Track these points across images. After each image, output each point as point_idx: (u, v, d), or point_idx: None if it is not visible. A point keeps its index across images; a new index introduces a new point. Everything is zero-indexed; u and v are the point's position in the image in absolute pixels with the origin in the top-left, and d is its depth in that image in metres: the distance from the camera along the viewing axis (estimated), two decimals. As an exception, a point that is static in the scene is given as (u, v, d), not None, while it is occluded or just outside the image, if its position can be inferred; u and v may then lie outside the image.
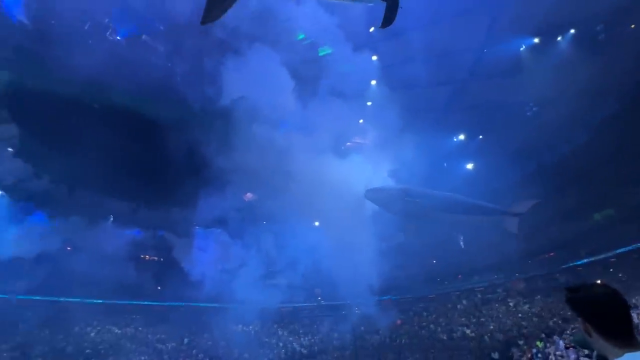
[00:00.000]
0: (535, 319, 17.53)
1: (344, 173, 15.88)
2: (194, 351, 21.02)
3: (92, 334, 20.43)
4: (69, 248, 21.14)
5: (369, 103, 20.52)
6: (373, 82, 19.76)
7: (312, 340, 23.40)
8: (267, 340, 23.07)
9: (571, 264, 19.85)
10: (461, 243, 19.77)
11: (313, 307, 26.79)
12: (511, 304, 21.19)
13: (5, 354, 16.14)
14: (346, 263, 17.54)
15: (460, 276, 25.64)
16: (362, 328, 22.59)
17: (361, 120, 20.63)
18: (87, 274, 19.52)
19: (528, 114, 20.30)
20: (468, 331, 19.78)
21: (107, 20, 15.73)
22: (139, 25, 16.14)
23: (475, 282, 24.80)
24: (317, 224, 23.16)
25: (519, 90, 18.48)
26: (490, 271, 24.19)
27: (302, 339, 23.59)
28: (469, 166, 22.65)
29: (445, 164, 23.37)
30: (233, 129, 14.95)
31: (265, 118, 15.14)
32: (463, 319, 21.44)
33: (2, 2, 11.89)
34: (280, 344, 22.57)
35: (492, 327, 19.07)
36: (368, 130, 19.93)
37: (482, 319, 20.64)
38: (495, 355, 15.45)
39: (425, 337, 21.12)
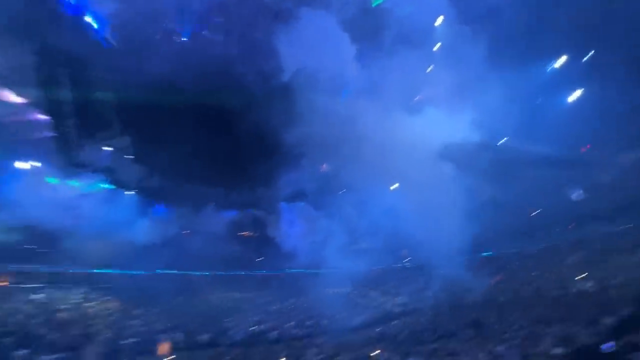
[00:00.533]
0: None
1: (419, 130, 14.75)
2: (296, 311, 23.72)
3: (216, 299, 24.79)
4: (185, 231, 25.45)
5: (437, 46, 18.27)
6: (439, 20, 17.36)
7: (405, 300, 23.77)
8: (359, 301, 24.40)
9: None
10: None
11: (402, 269, 26.97)
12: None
13: (154, 317, 20.71)
14: (433, 222, 16.82)
15: (572, 225, 22.21)
16: (456, 287, 21.90)
17: (430, 67, 18.64)
18: (201, 252, 23.23)
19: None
20: (589, 284, 17.31)
21: (171, 25, 17.18)
22: (198, 23, 17.24)
23: (591, 230, 21.21)
24: (396, 186, 22.70)
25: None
26: (612, 217, 20.32)
27: (394, 299, 24.20)
28: (575, 96, 18.60)
29: (539, 100, 19.64)
30: (299, 102, 15.19)
31: (329, 84, 14.88)
32: (577, 273, 18.83)
33: (94, 31, 13.89)
34: (374, 304, 23.60)
35: (617, 281, 16.32)
36: (441, 77, 17.89)
37: (603, 273, 17.79)
38: (627, 310, 13.27)
39: (528, 294, 19.34)
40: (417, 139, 14.71)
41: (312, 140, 16.45)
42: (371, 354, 12.77)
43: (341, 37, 14.68)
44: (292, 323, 21.56)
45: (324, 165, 23.12)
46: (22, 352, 14.06)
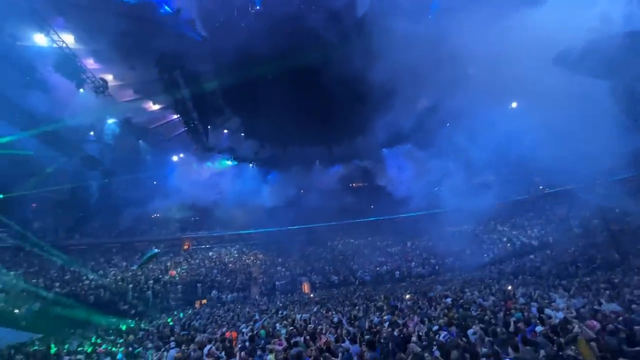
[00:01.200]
0: None
1: (534, 29, 11.19)
2: (417, 251, 24.02)
3: (340, 246, 27.45)
4: (302, 191, 28.26)
5: None
6: None
7: (543, 231, 20.85)
8: (486, 236, 22.74)
9: None
10: None
11: (536, 198, 23.41)
12: None
13: (295, 263, 24.47)
14: (569, 140, 13.36)
15: None
16: (618, 210, 17.58)
17: None
18: (319, 206, 25.49)
19: None
20: None
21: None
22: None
23: None
24: (514, 105, 19.05)
25: None
26: None
27: (529, 231, 21.52)
28: None
29: None
30: (381, 35, 13.63)
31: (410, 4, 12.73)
32: None
33: (185, 29, 15.43)
34: (504, 239, 21.63)
35: None
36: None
37: None
38: None
39: None
40: (534, 41, 11.12)
41: (405, 74, 14.80)
42: (507, 288, 11.87)
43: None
44: (414, 263, 22.08)
45: (422, 101, 20.97)
46: (213, 292, 19.40)
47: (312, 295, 19.28)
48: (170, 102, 18.49)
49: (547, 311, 7.26)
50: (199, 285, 19.70)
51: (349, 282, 21.32)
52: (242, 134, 25.67)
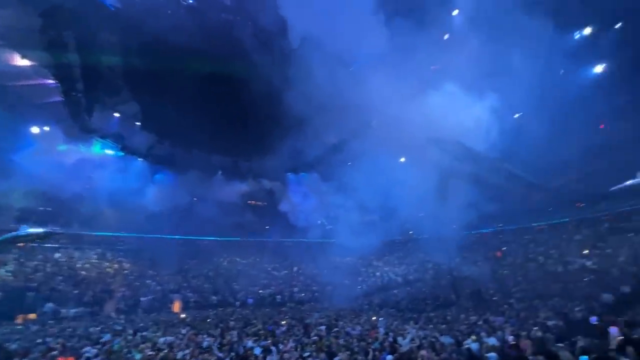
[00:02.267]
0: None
1: (431, 104, 14.08)
2: (301, 277, 24.79)
3: (225, 263, 25.93)
4: (195, 199, 26.03)
5: (455, 12, 17.22)
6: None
7: (407, 270, 24.53)
8: (364, 270, 25.29)
9: None
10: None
11: (406, 241, 27.52)
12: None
13: (169, 277, 21.86)
14: (437, 196, 16.71)
15: (581, 204, 21.98)
16: (458, 259, 22.38)
17: (447, 36, 17.71)
18: (210, 218, 23.87)
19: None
20: (589, 263, 17.56)
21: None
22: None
23: (601, 209, 20.97)
24: (403, 160, 22.54)
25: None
26: (622, 197, 19.95)
27: (396, 268, 24.99)
28: (599, 69, 17.64)
29: (562, 71, 18.52)
30: (308, 70, 14.62)
31: (340, 52, 14.21)
32: (583, 251, 18.98)
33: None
34: (377, 273, 24.44)
35: (622, 259, 16.45)
36: (457, 46, 16.89)
37: (609, 250, 17.89)
38: (627, 288, 13.50)
39: (532, 269, 19.71)
40: (427, 117, 13.93)
41: (322, 110, 16.01)
42: (373, 318, 13.44)
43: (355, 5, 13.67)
44: (297, 288, 22.64)
45: (333, 137, 22.82)
46: (48, 305, 15.29)
47: (183, 315, 17.35)
48: (48, 62, 15.00)
49: (400, 340, 8.45)
50: (30, 294, 15.41)
51: (228, 303, 20.18)
52: (138, 123, 22.42)
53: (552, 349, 5.91)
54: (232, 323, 13.40)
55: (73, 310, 15.59)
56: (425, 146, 14.67)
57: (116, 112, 21.24)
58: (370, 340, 8.62)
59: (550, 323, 11.30)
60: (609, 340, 6.36)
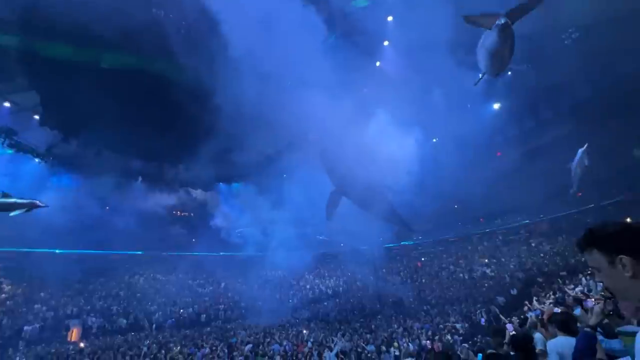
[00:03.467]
0: (557, 258, 17.64)
1: (357, 125, 14.81)
2: (229, 293, 23.37)
3: (141, 281, 23.04)
4: (107, 207, 22.83)
5: (386, 43, 18.95)
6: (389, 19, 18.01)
7: (337, 282, 25.11)
8: (295, 283, 25.06)
9: (603, 203, 19.06)
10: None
11: (337, 253, 28.25)
12: (533, 244, 21.40)
13: (66, 299, 18.56)
14: (365, 213, 17.57)
15: (482, 219, 25.79)
16: (384, 270, 23.89)
17: (378, 63, 19.29)
18: (126, 230, 21.12)
19: (566, 42, 18.02)
20: (488, 270, 20.40)
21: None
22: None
23: (498, 224, 24.93)
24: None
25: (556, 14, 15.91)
26: (513, 213, 24.07)
27: (327, 281, 25.39)
28: (496, 106, 21.20)
29: (469, 105, 21.76)
30: (244, 82, 14.24)
31: (276, 69, 14.18)
32: (484, 260, 22.05)
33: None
34: (308, 286, 24.45)
35: (512, 267, 19.54)
36: (385, 74, 18.51)
37: (503, 259, 21.11)
38: (514, 291, 16.01)
39: (445, 277, 22.07)
40: (353, 132, 14.63)
41: (256, 122, 15.68)
42: (302, 332, 13.34)
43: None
44: (223, 305, 21.24)
45: (267, 149, 22.52)
46: None
47: (82, 344, 14.74)
48: None
49: (326, 353, 8.49)
50: None
51: (141, 326, 17.87)
52: (36, 117, 18.96)
53: (457, 350, 6.60)
54: (144, 349, 11.90)
55: None
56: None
57: (8, 101, 17.72)
58: (297, 356, 8.47)
59: (458, 325, 12.76)
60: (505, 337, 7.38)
